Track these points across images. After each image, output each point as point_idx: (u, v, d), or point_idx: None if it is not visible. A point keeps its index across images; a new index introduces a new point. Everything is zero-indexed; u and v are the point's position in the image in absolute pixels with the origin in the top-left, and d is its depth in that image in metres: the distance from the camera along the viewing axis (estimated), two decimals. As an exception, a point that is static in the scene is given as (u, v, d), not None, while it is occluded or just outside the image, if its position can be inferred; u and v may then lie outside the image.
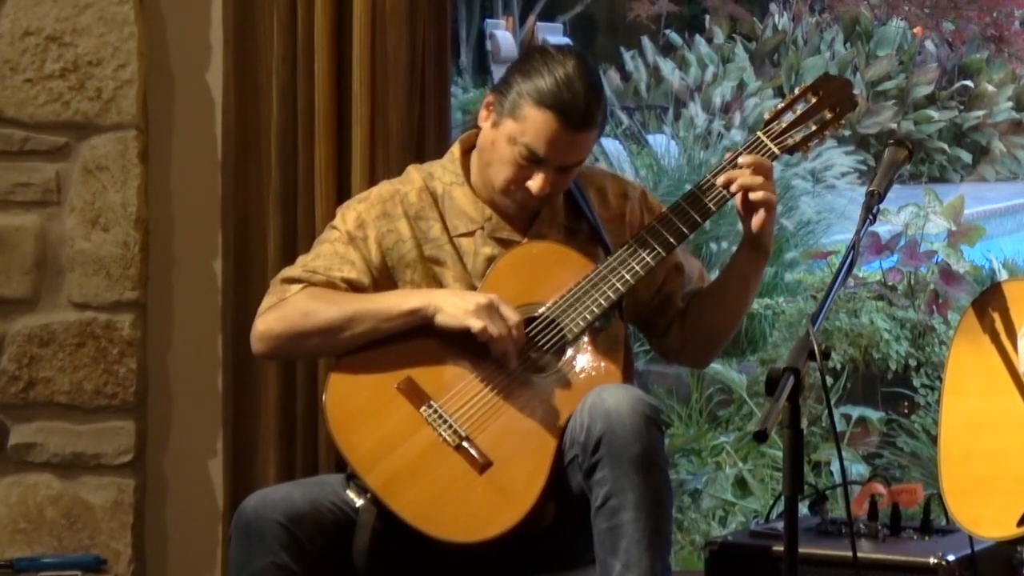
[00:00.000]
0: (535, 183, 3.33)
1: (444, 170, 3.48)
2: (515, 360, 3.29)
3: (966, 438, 3.35)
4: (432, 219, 3.43)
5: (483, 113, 3.39)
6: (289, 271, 3.46)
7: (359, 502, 3.28)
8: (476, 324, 3.25)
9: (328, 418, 3.33)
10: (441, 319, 3.29)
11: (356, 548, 3.27)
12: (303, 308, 3.37)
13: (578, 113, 3.29)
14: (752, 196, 3.35)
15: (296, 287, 3.41)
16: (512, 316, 3.28)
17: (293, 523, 3.24)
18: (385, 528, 3.26)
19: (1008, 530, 3.25)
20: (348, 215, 3.46)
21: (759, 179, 3.35)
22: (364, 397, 3.33)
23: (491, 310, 3.27)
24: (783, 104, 3.48)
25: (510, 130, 3.33)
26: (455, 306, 3.28)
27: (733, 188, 3.36)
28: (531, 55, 3.37)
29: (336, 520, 3.29)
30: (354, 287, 3.39)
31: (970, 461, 3.33)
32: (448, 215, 3.43)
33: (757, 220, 3.37)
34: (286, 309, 3.39)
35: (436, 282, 3.40)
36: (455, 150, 3.49)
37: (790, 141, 3.46)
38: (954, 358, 3.42)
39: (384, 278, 3.41)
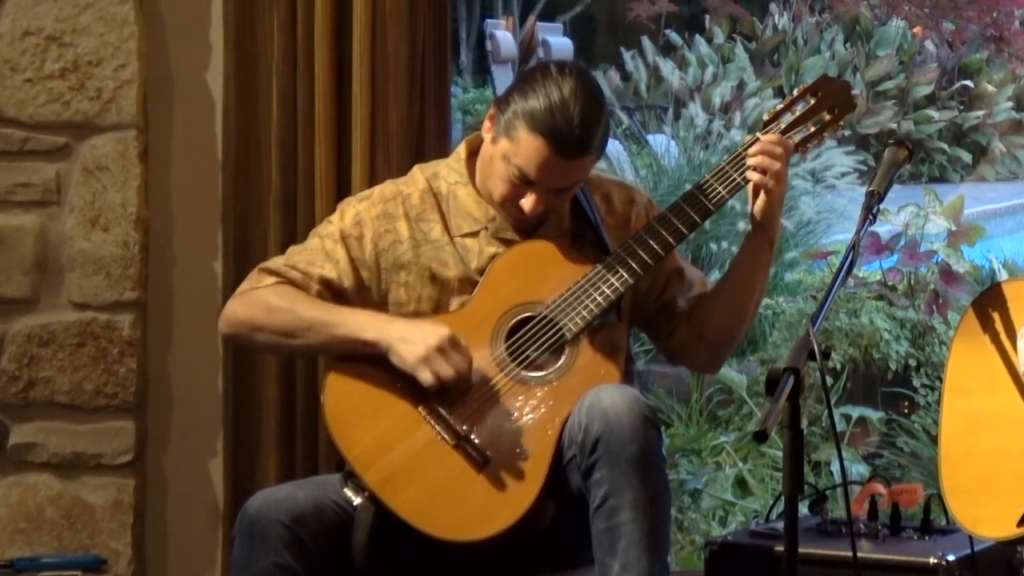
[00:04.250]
0: (527, 203, 3.33)
1: (449, 170, 3.48)
2: (463, 396, 3.28)
3: (966, 438, 3.35)
4: (433, 221, 3.43)
5: (486, 124, 3.38)
6: (271, 262, 3.48)
7: (356, 500, 3.29)
8: (427, 378, 3.25)
9: (326, 416, 3.33)
10: (393, 360, 3.29)
11: (355, 546, 3.27)
12: (268, 303, 3.39)
13: (570, 141, 3.26)
14: (756, 177, 3.36)
15: (270, 279, 3.42)
16: (460, 362, 3.26)
17: (296, 523, 3.24)
18: (384, 526, 3.27)
19: (1008, 530, 3.25)
20: (347, 212, 3.46)
21: (776, 164, 3.35)
22: (362, 395, 3.33)
23: (443, 353, 3.25)
24: (782, 105, 3.48)
25: (504, 149, 3.32)
26: (408, 352, 3.27)
27: (751, 162, 3.35)
28: (532, 73, 3.34)
29: (338, 520, 3.29)
30: (331, 287, 3.40)
31: (970, 461, 3.33)
32: (451, 215, 3.43)
33: (758, 203, 3.37)
34: (253, 298, 3.41)
35: (432, 284, 3.40)
36: (461, 151, 3.49)
37: (788, 143, 3.46)
38: (954, 358, 3.42)
39: (374, 278, 3.41)
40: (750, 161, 3.37)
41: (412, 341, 3.28)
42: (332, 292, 3.40)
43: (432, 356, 3.25)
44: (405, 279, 3.41)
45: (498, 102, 3.35)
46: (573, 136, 3.25)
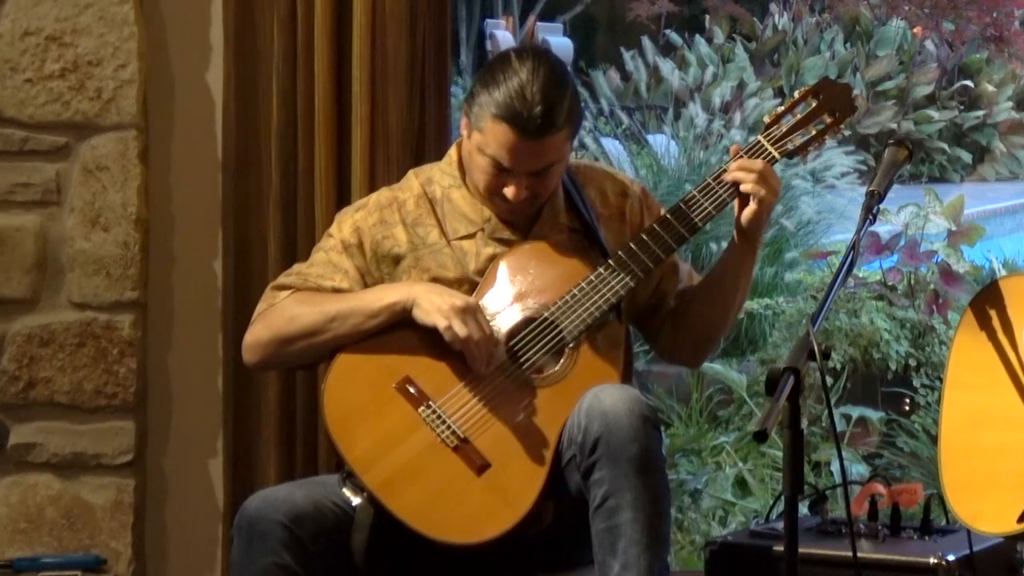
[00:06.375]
0: (509, 191, 3.34)
1: (443, 173, 3.48)
2: (484, 367, 3.29)
3: (967, 432, 3.35)
4: (430, 225, 3.43)
5: (463, 121, 3.40)
6: (281, 278, 3.49)
7: (355, 500, 3.29)
8: (442, 323, 3.27)
9: (326, 417, 3.33)
10: (416, 314, 3.31)
11: (354, 548, 3.27)
12: (288, 314, 3.40)
13: (533, 122, 3.27)
14: (743, 188, 3.36)
15: (284, 293, 3.43)
16: (485, 326, 3.29)
17: (295, 523, 3.24)
18: (384, 527, 3.26)
19: (1008, 526, 3.25)
20: (344, 223, 3.47)
21: (753, 176, 3.36)
22: (363, 397, 3.33)
23: (465, 313, 3.27)
24: (783, 108, 3.47)
25: (477, 141, 3.34)
26: (430, 303, 3.30)
27: (726, 178, 3.36)
28: (492, 63, 3.38)
29: (338, 521, 3.29)
30: None
31: (971, 456, 3.33)
32: (447, 219, 3.43)
33: (747, 211, 3.37)
34: (272, 316, 3.42)
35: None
36: (453, 153, 3.50)
37: (790, 146, 3.46)
38: (956, 352, 3.41)
39: (380, 283, 3.42)
40: (737, 174, 3.37)
41: (438, 294, 3.31)
42: None
43: (455, 311, 3.27)
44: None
45: (467, 98, 3.38)
46: (535, 116, 3.27)
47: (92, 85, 4.17)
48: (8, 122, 4.18)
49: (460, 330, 3.26)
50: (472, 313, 3.28)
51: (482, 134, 3.32)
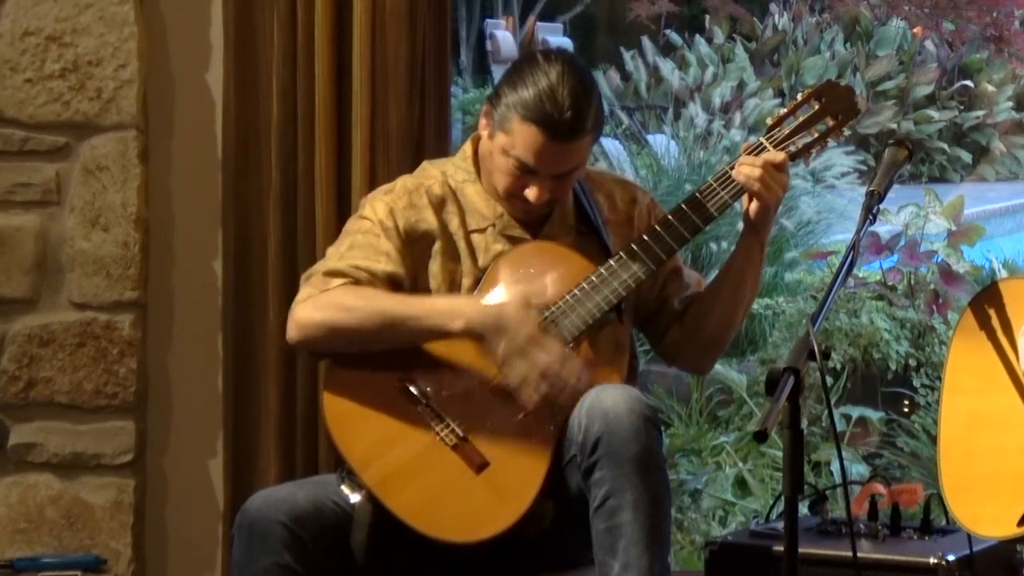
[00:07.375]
0: (532, 192, 3.34)
1: (456, 168, 3.48)
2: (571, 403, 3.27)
3: (966, 436, 3.35)
4: (452, 212, 3.43)
5: (482, 122, 3.40)
6: (331, 264, 3.39)
7: (353, 497, 3.29)
8: (529, 398, 3.25)
9: (326, 416, 3.33)
10: (504, 369, 3.27)
11: (354, 546, 3.27)
12: (344, 303, 3.33)
13: (563, 125, 3.28)
14: (752, 187, 3.36)
15: (338, 281, 3.36)
16: (577, 370, 3.26)
17: (296, 523, 3.24)
18: (384, 526, 3.27)
19: (1008, 529, 3.25)
20: (378, 205, 3.43)
21: (765, 173, 3.36)
22: (362, 395, 3.32)
23: (554, 376, 3.25)
24: (785, 110, 3.47)
25: (502, 142, 3.34)
26: (514, 370, 3.26)
27: (739, 177, 3.36)
28: (519, 64, 3.37)
29: (338, 520, 3.29)
30: (394, 280, 3.36)
31: (970, 459, 3.33)
32: (464, 211, 3.43)
33: (753, 206, 3.39)
34: (326, 300, 3.34)
35: (448, 276, 3.39)
36: (467, 148, 3.50)
37: (792, 148, 3.46)
38: (953, 356, 3.42)
39: (413, 266, 3.39)
40: (750, 171, 3.38)
41: (527, 345, 3.26)
42: (395, 287, 3.37)
43: (547, 377, 3.25)
44: (431, 268, 3.40)
45: (490, 98, 3.37)
46: (565, 119, 3.28)
47: (92, 85, 4.17)
48: (8, 122, 4.18)
49: (547, 391, 3.25)
50: (555, 373, 3.25)
51: (508, 135, 3.32)
